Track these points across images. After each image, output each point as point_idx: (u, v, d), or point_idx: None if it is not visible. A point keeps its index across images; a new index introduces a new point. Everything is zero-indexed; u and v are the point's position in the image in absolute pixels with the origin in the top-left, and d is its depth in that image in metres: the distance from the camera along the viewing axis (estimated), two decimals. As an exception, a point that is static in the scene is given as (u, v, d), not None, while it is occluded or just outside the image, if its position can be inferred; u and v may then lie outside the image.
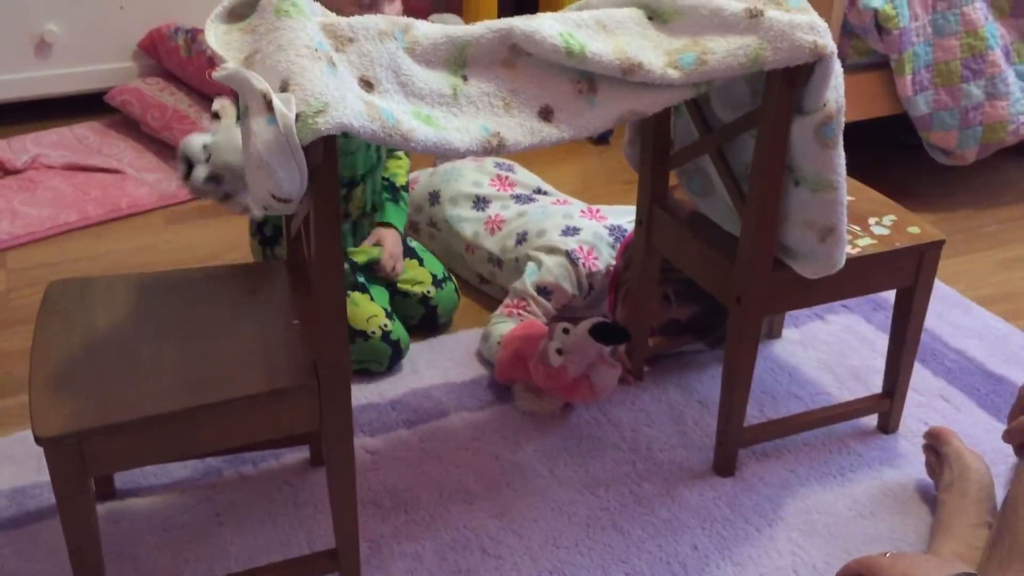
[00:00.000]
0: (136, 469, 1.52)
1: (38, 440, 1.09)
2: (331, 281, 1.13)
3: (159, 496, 1.50)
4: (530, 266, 1.89)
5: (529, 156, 2.28)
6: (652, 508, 1.51)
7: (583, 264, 1.87)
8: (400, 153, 2.00)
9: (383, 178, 1.93)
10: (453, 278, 1.97)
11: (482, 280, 2.05)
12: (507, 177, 2.14)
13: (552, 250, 1.90)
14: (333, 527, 1.30)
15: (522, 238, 1.96)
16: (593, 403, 1.71)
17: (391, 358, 1.77)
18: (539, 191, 2.16)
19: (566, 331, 1.61)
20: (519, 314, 1.83)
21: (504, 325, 1.79)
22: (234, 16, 1.17)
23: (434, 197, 2.12)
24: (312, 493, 1.51)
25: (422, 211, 2.14)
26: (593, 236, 1.92)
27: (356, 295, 1.78)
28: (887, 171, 2.58)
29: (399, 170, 1.98)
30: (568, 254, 1.88)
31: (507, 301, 1.87)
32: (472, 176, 2.12)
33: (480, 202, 2.08)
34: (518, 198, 2.09)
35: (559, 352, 1.59)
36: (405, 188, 1.98)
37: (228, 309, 1.33)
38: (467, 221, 2.06)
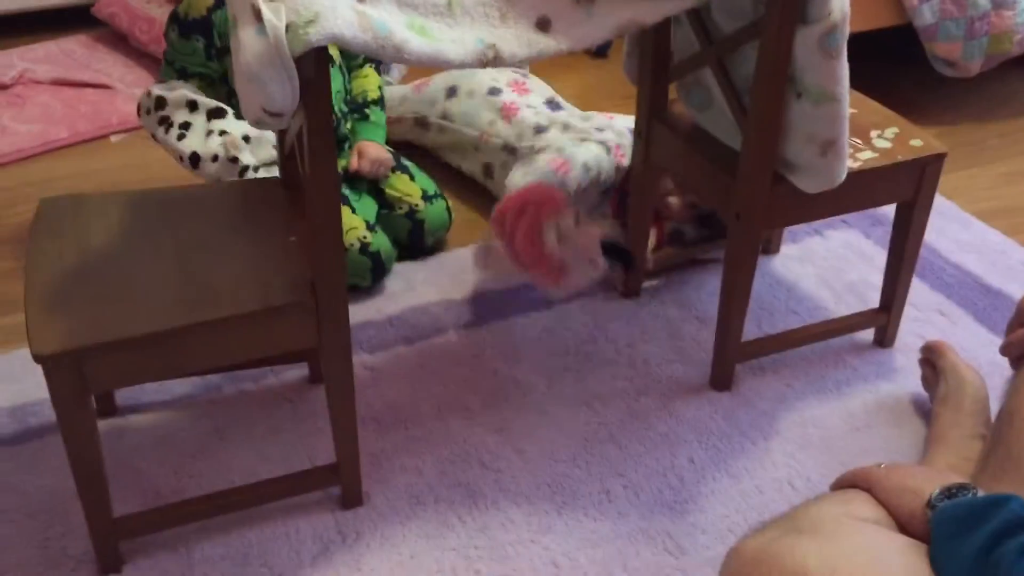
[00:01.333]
0: (136, 386, 1.53)
1: (36, 358, 1.09)
2: (326, 197, 1.12)
3: (160, 412, 1.52)
4: (571, 144, 1.84)
5: (531, 68, 2.24)
6: (649, 422, 1.52)
7: (615, 156, 1.85)
8: (366, 70, 1.97)
9: (352, 99, 1.92)
10: (446, 198, 1.93)
11: (488, 173, 2.02)
12: (523, 83, 2.10)
13: (584, 139, 1.87)
14: (334, 442, 1.32)
15: (542, 130, 1.93)
16: (591, 319, 1.71)
17: (372, 272, 1.75)
18: (552, 101, 2.11)
19: (577, 222, 1.55)
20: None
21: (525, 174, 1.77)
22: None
23: (451, 91, 2.09)
24: (312, 409, 1.52)
25: (436, 104, 2.11)
26: (618, 133, 1.89)
27: None
28: (890, 84, 2.54)
29: (369, 86, 1.96)
30: (603, 143, 1.85)
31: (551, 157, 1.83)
32: (491, 73, 2.09)
33: (495, 91, 2.05)
34: (532, 105, 2.04)
35: (558, 239, 1.54)
36: (376, 102, 1.95)
37: (224, 227, 1.31)
38: (484, 109, 2.02)
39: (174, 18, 1.76)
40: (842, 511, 1.11)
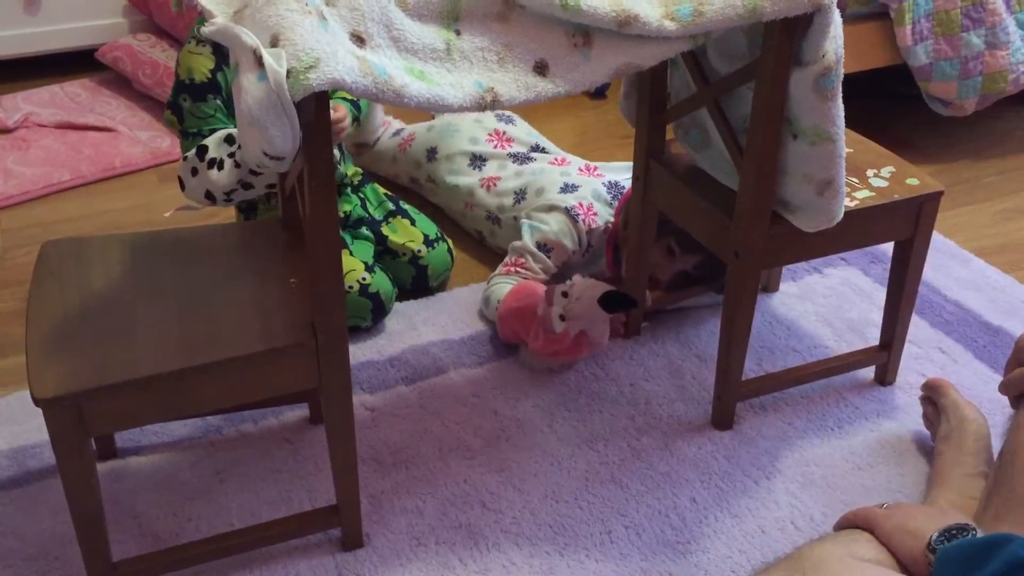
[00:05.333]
0: (136, 428, 1.53)
1: (36, 401, 1.09)
2: (327, 239, 1.12)
3: (160, 454, 1.51)
4: (528, 224, 1.88)
5: (526, 110, 2.27)
6: (651, 462, 1.52)
7: (583, 221, 1.87)
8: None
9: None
10: (448, 239, 1.94)
11: (482, 239, 2.05)
12: (505, 132, 2.13)
13: (551, 208, 1.89)
14: (334, 483, 1.31)
15: (520, 197, 1.96)
16: (591, 357, 1.71)
17: (373, 312, 1.76)
18: (537, 147, 2.14)
19: (565, 295, 1.60)
20: (517, 271, 1.83)
21: (503, 287, 1.78)
22: (223, -30, 1.15)
23: (431, 153, 2.11)
24: (312, 450, 1.52)
25: (421, 167, 2.13)
26: (591, 193, 1.91)
27: None
28: (886, 123, 2.56)
29: None
30: (568, 211, 1.87)
31: (506, 260, 1.87)
32: (469, 131, 2.11)
33: (477, 160, 2.07)
34: (515, 157, 2.07)
35: (562, 318, 1.59)
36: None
37: (224, 268, 1.32)
38: (464, 180, 2.05)
39: (183, 87, 1.68)
40: (845, 552, 1.10)
